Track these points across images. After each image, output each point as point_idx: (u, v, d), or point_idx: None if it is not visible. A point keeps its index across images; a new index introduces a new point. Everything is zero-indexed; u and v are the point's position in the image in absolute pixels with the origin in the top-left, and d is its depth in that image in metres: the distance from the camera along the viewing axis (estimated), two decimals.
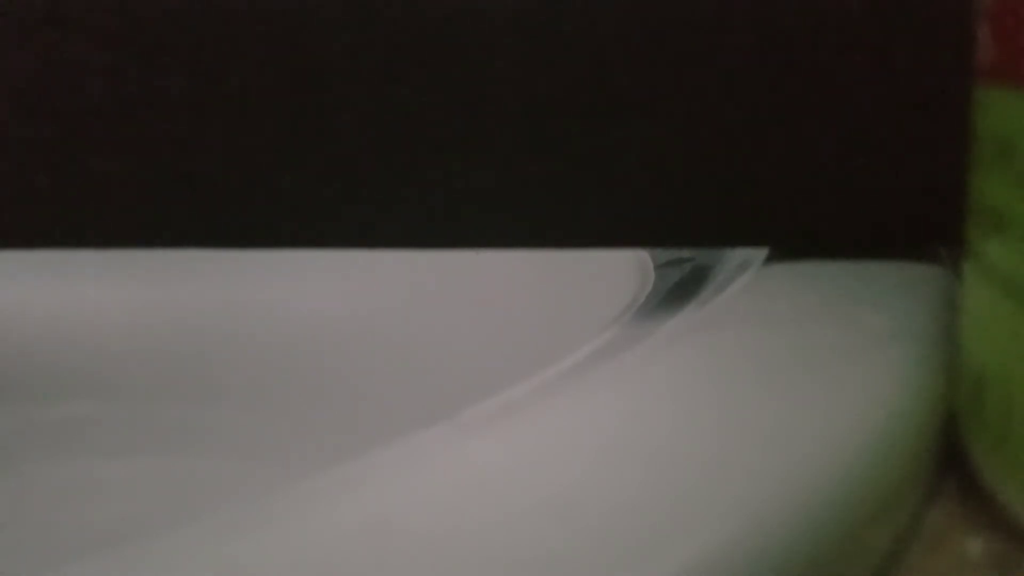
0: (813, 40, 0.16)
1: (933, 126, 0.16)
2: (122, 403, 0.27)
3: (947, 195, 0.15)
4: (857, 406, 0.12)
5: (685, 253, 0.19)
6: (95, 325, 0.28)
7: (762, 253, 0.17)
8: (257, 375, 0.27)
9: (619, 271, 0.20)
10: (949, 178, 0.14)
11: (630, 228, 0.17)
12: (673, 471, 0.11)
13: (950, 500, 0.13)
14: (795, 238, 0.17)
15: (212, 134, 0.17)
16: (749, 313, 0.15)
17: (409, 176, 0.17)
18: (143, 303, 0.28)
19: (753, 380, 0.13)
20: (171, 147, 0.17)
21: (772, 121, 0.16)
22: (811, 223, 0.17)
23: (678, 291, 0.18)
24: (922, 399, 0.13)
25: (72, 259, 0.28)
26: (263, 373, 0.27)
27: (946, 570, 0.12)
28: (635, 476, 0.11)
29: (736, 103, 0.16)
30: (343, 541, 0.10)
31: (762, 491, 0.11)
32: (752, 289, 0.16)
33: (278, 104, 0.17)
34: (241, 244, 0.17)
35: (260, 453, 0.26)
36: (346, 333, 0.27)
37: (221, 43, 0.17)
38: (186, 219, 0.17)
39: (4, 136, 0.17)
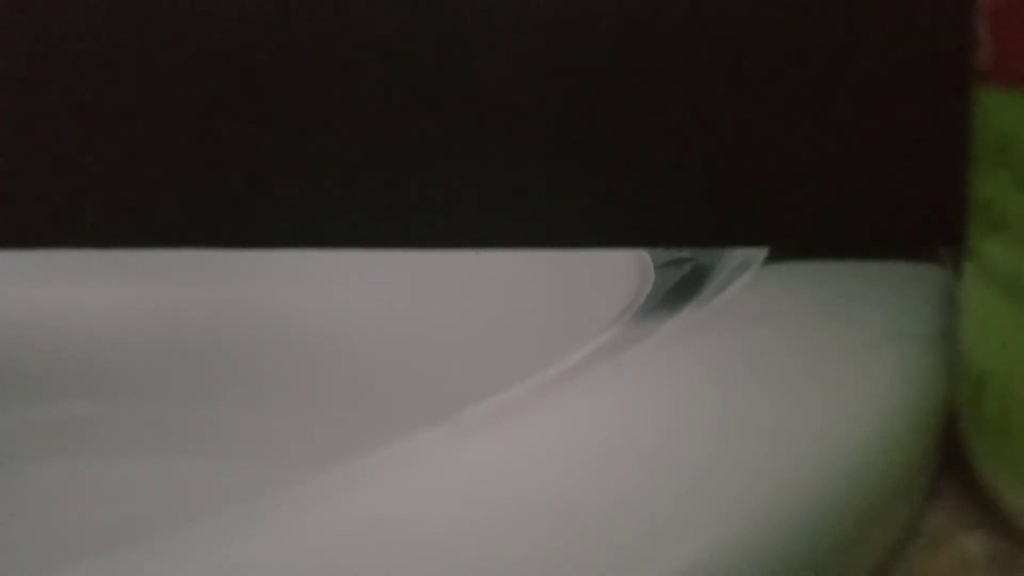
0: (813, 40, 0.16)
1: (933, 126, 0.16)
2: (122, 403, 0.27)
3: (947, 195, 0.15)
4: (857, 406, 0.12)
5: (685, 253, 0.19)
6: (95, 325, 0.28)
7: (762, 253, 0.17)
8: (257, 375, 0.27)
9: (619, 271, 0.20)
10: (949, 178, 0.14)
11: (630, 228, 0.17)
12: (673, 471, 0.11)
13: (950, 500, 0.13)
14: (795, 238, 0.17)
15: (212, 134, 0.17)
16: (749, 313, 0.15)
17: (409, 176, 0.17)
18: (143, 303, 0.28)
19: (753, 380, 0.13)
20: (171, 147, 0.17)
21: (772, 121, 0.16)
22: (811, 223, 0.17)
23: (678, 291, 0.18)
24: (922, 399, 0.13)
25: (72, 259, 0.28)
26: (263, 373, 0.27)
27: (946, 570, 0.12)
28: (635, 476, 0.11)
29: (736, 103, 0.16)
30: (343, 541, 0.10)
31: (762, 491, 0.11)
32: (752, 289, 0.16)
33: (278, 104, 0.17)
34: (241, 244, 0.17)
35: (260, 453, 0.26)
36: (346, 333, 0.27)
37: (221, 43, 0.17)
38: (186, 219, 0.17)
39: (4, 136, 0.17)
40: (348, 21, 0.16)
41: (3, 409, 0.27)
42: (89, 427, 0.27)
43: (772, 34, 0.16)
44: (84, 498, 0.25)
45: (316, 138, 0.17)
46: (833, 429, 0.12)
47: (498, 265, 0.25)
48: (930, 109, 0.16)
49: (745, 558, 0.10)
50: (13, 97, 0.17)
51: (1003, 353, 0.12)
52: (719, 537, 0.10)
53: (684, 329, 0.15)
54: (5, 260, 0.28)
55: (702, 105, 0.16)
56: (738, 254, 0.18)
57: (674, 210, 0.17)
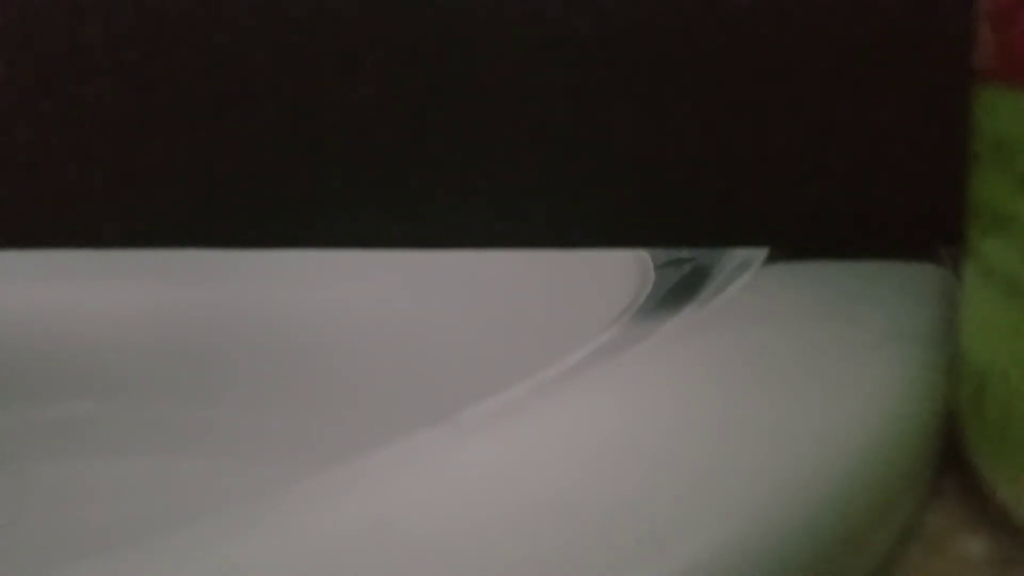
0: (813, 40, 0.16)
1: (933, 126, 0.16)
2: (122, 403, 0.27)
3: (947, 195, 0.15)
4: (857, 406, 0.12)
5: (685, 253, 0.19)
6: (95, 325, 0.28)
7: (762, 253, 0.17)
8: (257, 375, 0.27)
9: (619, 271, 0.20)
10: (949, 178, 0.14)
11: (630, 228, 0.17)
12: (673, 471, 0.11)
13: (950, 500, 0.13)
14: (795, 238, 0.17)
15: (212, 134, 0.17)
16: (749, 313, 0.15)
17: (409, 176, 0.17)
18: (143, 303, 0.28)
19: (753, 380, 0.13)
20: (171, 147, 0.17)
21: (772, 121, 0.16)
22: (811, 223, 0.17)
23: (678, 291, 0.18)
24: (922, 399, 0.13)
25: (72, 259, 0.28)
26: (263, 373, 0.27)
27: (946, 570, 0.12)
28: (635, 476, 0.11)
29: (736, 103, 0.16)
30: (343, 541, 0.10)
31: (762, 491, 0.11)
32: (752, 289, 0.16)
33: (278, 104, 0.17)
34: (241, 244, 0.17)
35: (260, 453, 0.26)
36: (346, 333, 0.27)
37: (222, 43, 0.17)
38: (186, 219, 0.17)
39: (4, 136, 0.17)
40: (348, 21, 0.16)
41: (3, 409, 0.27)
42: (89, 427, 0.27)
43: (772, 34, 0.16)
44: (84, 498, 0.25)
45: (316, 138, 0.17)
46: (833, 429, 0.12)
47: (498, 265, 0.25)
48: (930, 109, 0.16)
49: (745, 558, 0.10)
50: (13, 98, 0.17)
51: (1003, 353, 0.12)
52: (719, 537, 0.10)
53: (684, 329, 0.15)
54: (5, 260, 0.28)
55: (702, 105, 0.16)
56: (738, 254, 0.18)
57: (674, 210, 0.17)
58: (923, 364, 0.14)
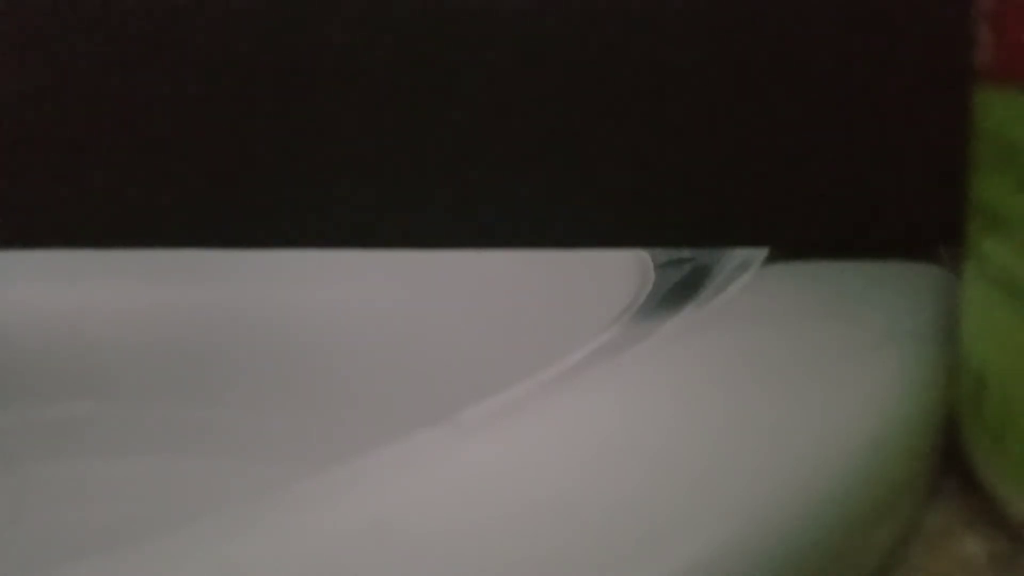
0: (813, 40, 0.16)
1: (933, 126, 0.16)
2: (122, 403, 0.27)
3: (947, 195, 0.15)
4: (857, 406, 0.12)
5: (685, 253, 0.19)
6: (95, 325, 0.28)
7: (762, 253, 0.17)
8: (257, 375, 0.27)
9: (619, 271, 0.20)
10: (949, 178, 0.14)
11: (630, 228, 0.17)
12: (673, 471, 0.11)
13: (950, 500, 0.13)
14: (795, 238, 0.17)
15: (213, 134, 0.17)
16: (749, 313, 0.15)
17: (409, 176, 0.17)
18: (143, 303, 0.28)
19: (753, 380, 0.13)
20: (171, 147, 0.17)
21: (772, 121, 0.16)
22: (811, 223, 0.17)
23: (678, 291, 0.18)
24: (922, 399, 0.13)
25: (72, 259, 0.28)
26: (263, 373, 0.27)
27: (946, 570, 0.12)
28: (635, 476, 0.11)
29: (736, 103, 0.16)
30: (342, 541, 0.10)
31: (762, 491, 0.11)
32: (752, 289, 0.16)
33: (278, 104, 0.17)
34: (241, 244, 0.17)
35: (260, 453, 0.26)
36: (346, 333, 0.27)
37: (222, 43, 0.17)
38: (186, 219, 0.17)
39: (4, 136, 0.17)
40: (349, 22, 0.16)
41: (3, 409, 0.27)
42: (89, 427, 0.27)
43: (772, 34, 0.16)
44: (84, 498, 0.25)
45: (316, 138, 0.17)
46: (833, 429, 0.12)
47: (498, 265, 0.25)
48: (930, 109, 0.16)
49: (745, 558, 0.10)
50: (13, 98, 0.17)
51: (1003, 353, 0.12)
52: (719, 537, 0.10)
53: (684, 329, 0.15)
54: (5, 260, 0.28)
55: (702, 105, 0.16)
56: (738, 254, 0.18)
57: (674, 210, 0.17)
58: (923, 364, 0.14)
